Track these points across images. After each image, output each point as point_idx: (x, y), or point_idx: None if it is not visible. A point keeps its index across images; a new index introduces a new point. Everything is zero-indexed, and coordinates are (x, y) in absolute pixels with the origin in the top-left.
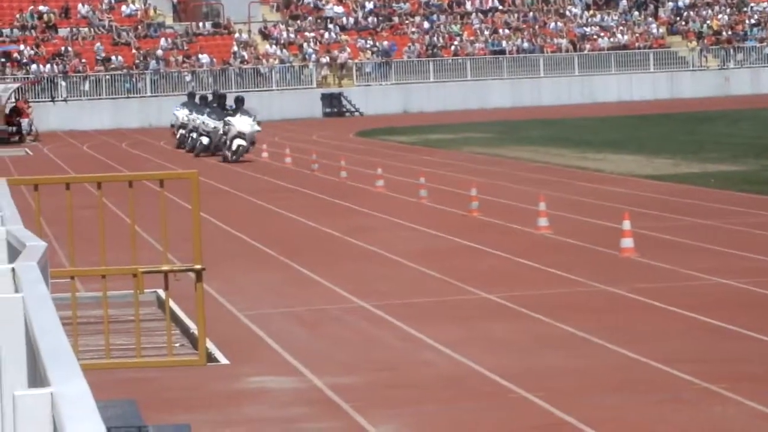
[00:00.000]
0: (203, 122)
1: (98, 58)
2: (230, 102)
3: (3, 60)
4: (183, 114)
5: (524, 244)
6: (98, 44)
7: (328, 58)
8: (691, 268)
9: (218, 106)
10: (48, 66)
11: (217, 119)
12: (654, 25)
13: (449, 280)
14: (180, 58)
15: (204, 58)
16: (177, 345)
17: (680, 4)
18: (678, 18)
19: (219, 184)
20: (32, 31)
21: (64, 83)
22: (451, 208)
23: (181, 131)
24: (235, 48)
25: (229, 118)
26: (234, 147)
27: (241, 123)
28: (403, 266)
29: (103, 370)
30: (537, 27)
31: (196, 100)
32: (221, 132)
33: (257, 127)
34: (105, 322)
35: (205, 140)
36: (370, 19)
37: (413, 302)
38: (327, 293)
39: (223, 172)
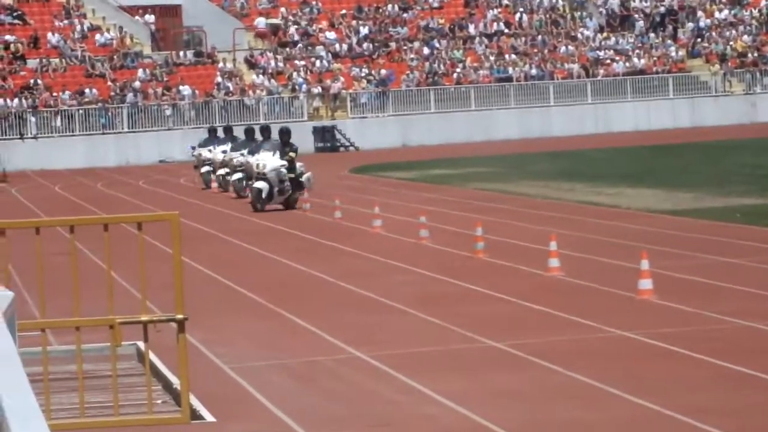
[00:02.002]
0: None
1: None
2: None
3: None
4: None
5: (534, 287)
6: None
7: (319, 89)
8: (716, 311)
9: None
10: (16, 100)
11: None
12: (673, 48)
13: (452, 327)
14: (159, 90)
15: (185, 89)
16: (158, 401)
17: (701, 24)
18: (699, 39)
19: (203, 226)
20: None
21: (33, 119)
22: (455, 249)
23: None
24: (219, 79)
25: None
26: (255, 192)
27: (263, 160)
28: (403, 313)
29: (78, 430)
30: (546, 51)
31: (219, 134)
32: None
33: (281, 162)
34: (79, 378)
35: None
36: (365, 45)
37: (413, 352)
38: (319, 343)
39: (207, 214)
